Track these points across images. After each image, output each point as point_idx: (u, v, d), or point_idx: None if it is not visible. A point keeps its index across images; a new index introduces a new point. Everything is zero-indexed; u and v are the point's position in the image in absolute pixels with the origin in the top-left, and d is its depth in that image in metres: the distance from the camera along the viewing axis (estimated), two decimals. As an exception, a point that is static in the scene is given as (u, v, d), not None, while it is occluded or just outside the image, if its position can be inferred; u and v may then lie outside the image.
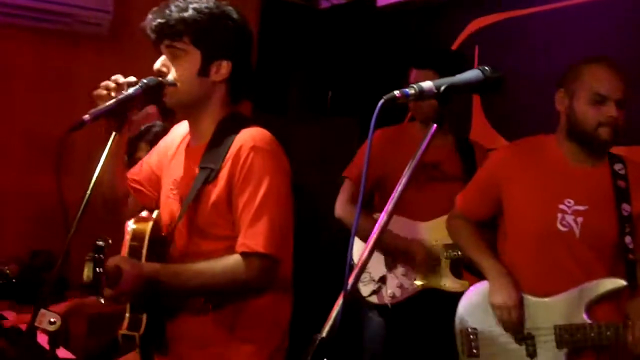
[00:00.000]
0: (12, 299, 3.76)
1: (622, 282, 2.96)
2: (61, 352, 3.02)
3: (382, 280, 3.87)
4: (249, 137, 2.48)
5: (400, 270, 3.76)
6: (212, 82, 2.53)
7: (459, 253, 3.75)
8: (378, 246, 3.78)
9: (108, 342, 3.61)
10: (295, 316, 2.65)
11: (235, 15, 2.56)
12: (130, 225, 2.53)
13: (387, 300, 3.77)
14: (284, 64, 5.38)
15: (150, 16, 2.52)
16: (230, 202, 2.46)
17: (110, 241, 2.35)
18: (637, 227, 3.01)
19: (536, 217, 3.05)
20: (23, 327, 3.23)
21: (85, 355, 3.61)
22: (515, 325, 3.04)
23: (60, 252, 2.20)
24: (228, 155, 2.46)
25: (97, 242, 2.32)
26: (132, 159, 3.41)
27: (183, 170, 2.59)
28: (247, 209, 2.43)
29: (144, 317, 2.44)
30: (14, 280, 3.72)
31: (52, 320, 2.26)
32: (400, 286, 3.80)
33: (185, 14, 2.47)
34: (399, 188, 1.74)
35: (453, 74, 3.90)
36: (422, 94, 1.75)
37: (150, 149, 2.98)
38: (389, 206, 1.73)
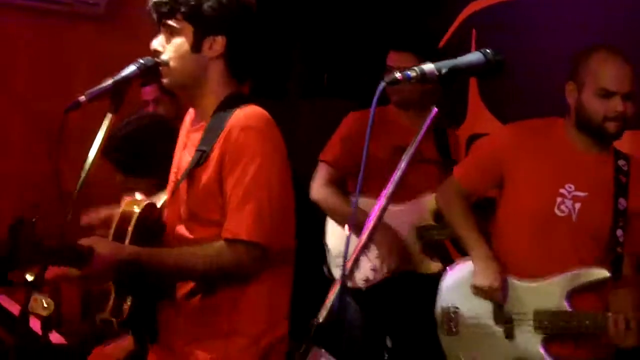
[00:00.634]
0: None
1: (606, 273, 2.98)
2: (53, 336, 3.01)
3: (356, 263, 3.87)
4: (241, 116, 2.40)
5: (374, 253, 3.74)
6: (207, 58, 2.46)
7: (433, 235, 3.78)
8: (355, 228, 3.84)
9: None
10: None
11: None
12: (122, 207, 2.51)
13: (360, 284, 3.77)
14: (281, 46, 5.35)
15: None
16: (221, 185, 2.38)
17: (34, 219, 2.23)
18: (630, 223, 3.03)
19: (535, 199, 3.06)
20: (10, 307, 3.20)
21: (79, 338, 3.60)
22: (496, 307, 3.06)
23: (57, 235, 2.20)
24: (220, 136, 2.39)
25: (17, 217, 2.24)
26: None
27: (183, 152, 2.56)
28: (234, 192, 2.34)
29: (128, 302, 2.39)
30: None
31: (45, 305, 2.25)
32: (374, 269, 3.80)
33: None
34: (397, 173, 1.72)
35: (431, 56, 3.92)
36: (423, 76, 1.74)
37: None
38: (387, 190, 1.71)
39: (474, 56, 1.81)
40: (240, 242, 2.33)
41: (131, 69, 2.40)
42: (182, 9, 2.43)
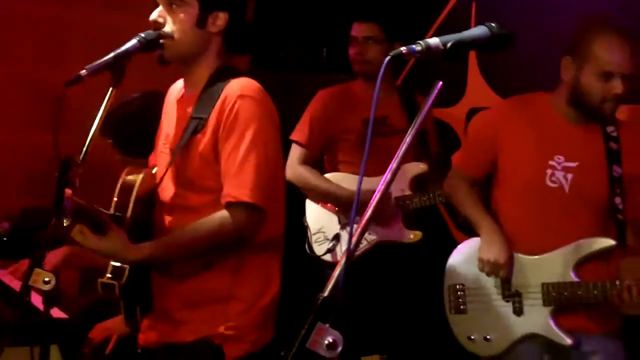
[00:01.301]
0: (3, 256, 3.73)
1: (612, 242, 2.99)
2: (54, 311, 3.01)
3: (337, 238, 3.92)
4: (236, 86, 2.46)
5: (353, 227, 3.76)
6: (209, 33, 2.52)
7: (414, 204, 3.79)
8: (334, 202, 3.87)
9: (100, 299, 3.60)
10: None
11: None
12: (123, 176, 2.52)
13: (340, 257, 3.79)
14: (281, 20, 5.33)
15: None
16: (217, 152, 2.44)
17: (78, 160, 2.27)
18: (627, 189, 3.03)
19: (526, 172, 3.07)
20: (10, 282, 3.20)
21: (78, 312, 3.60)
22: (504, 281, 3.07)
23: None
24: (216, 104, 2.44)
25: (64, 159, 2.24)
26: None
27: (175, 123, 2.58)
28: (231, 158, 2.40)
29: (128, 267, 2.43)
30: (4, 238, 3.70)
31: (46, 279, 2.25)
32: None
33: None
34: (403, 146, 1.72)
35: (394, 26, 3.95)
36: (429, 50, 1.73)
37: None
38: (393, 164, 1.71)
39: (479, 30, 1.80)
40: (241, 205, 2.39)
41: (132, 42, 2.42)
42: None
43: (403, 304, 3.88)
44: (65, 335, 3.20)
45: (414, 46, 1.73)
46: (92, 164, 2.45)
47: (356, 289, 3.76)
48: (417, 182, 4.00)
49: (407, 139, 1.71)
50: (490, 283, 3.12)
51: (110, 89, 2.38)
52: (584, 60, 2.95)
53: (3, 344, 2.32)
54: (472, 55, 4.56)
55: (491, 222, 3.13)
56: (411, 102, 4.01)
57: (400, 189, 3.94)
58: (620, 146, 3.03)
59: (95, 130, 2.35)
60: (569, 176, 3.01)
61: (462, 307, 3.18)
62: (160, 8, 2.49)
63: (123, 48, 2.39)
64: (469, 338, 3.14)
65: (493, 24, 1.81)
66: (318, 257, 3.95)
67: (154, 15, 2.49)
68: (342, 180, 3.99)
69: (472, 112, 4.48)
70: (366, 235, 3.84)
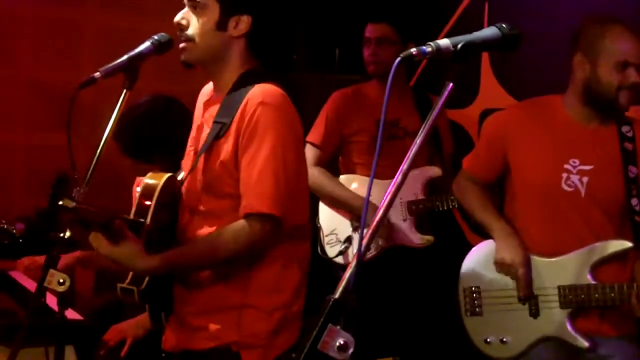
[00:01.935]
0: (18, 258, 3.75)
1: (628, 244, 2.97)
2: (69, 313, 3.03)
3: (349, 240, 3.92)
4: (258, 92, 2.42)
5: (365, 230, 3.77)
6: (230, 37, 2.49)
7: (425, 207, 3.78)
8: (348, 209, 3.88)
9: (115, 300, 3.62)
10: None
11: None
12: (144, 180, 2.51)
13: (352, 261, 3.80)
14: (291, 20, 5.34)
15: None
16: (237, 160, 2.41)
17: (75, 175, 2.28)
18: None
19: (541, 177, 3.05)
20: (26, 283, 3.23)
21: (92, 313, 3.62)
22: (521, 283, 3.04)
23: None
24: (239, 110, 2.41)
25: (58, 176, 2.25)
26: None
27: (199, 126, 2.57)
28: (250, 167, 2.37)
29: None
30: (20, 240, 3.71)
31: (61, 280, 2.27)
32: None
33: None
34: (414, 148, 1.72)
35: (410, 28, 3.94)
36: (439, 51, 1.73)
37: None
38: (404, 166, 1.71)
39: (489, 31, 1.80)
40: (260, 216, 2.35)
41: (146, 45, 2.44)
42: None
43: (416, 307, 3.88)
44: (81, 336, 3.22)
45: (424, 47, 1.73)
46: (107, 166, 2.48)
47: (370, 291, 3.80)
48: (431, 186, 4.00)
49: (418, 140, 1.71)
50: (505, 285, 3.10)
51: (124, 91, 2.39)
52: (597, 53, 2.96)
53: (18, 345, 2.33)
54: (485, 56, 4.55)
55: (505, 225, 3.11)
56: (425, 103, 4.01)
57: (413, 193, 3.94)
58: (636, 146, 3.02)
59: (109, 132, 2.37)
60: (585, 179, 3.00)
61: (477, 309, 3.16)
62: (185, 10, 2.49)
63: (137, 50, 2.40)
64: (485, 341, 3.12)
65: (504, 25, 1.81)
66: (330, 259, 3.95)
67: (177, 18, 2.48)
68: (357, 182, 4.00)
69: (485, 114, 4.48)
70: (377, 238, 3.86)
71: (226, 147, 2.43)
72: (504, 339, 3.08)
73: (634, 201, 2.99)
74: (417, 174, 3.91)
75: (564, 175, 3.01)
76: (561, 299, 3.00)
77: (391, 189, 1.69)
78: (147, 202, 2.45)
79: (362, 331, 3.65)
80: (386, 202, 1.70)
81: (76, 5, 4.95)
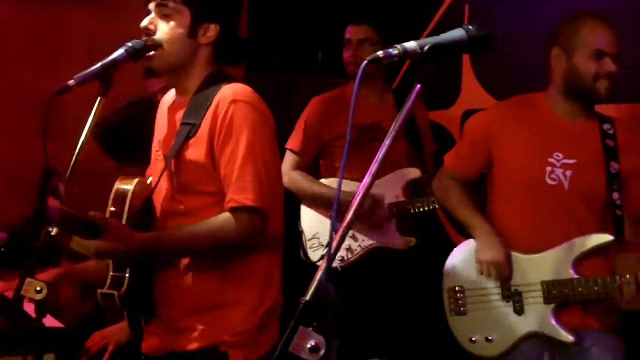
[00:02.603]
0: (1, 267, 3.74)
1: (610, 237, 3.01)
2: (49, 320, 3.02)
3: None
4: (229, 91, 2.47)
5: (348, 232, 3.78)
6: (198, 44, 2.53)
7: (407, 210, 3.84)
8: (329, 204, 3.90)
9: (100, 308, 3.62)
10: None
11: None
12: (115, 186, 2.52)
13: (336, 263, 3.81)
14: (275, 24, 5.34)
15: None
16: (212, 158, 2.45)
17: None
18: (624, 185, 3.07)
19: (525, 171, 3.08)
20: (10, 294, 3.22)
21: (79, 321, 3.62)
22: (503, 282, 3.07)
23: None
24: (209, 110, 2.45)
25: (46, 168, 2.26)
26: None
27: (166, 129, 2.59)
28: (231, 164, 2.41)
29: (127, 275, 2.43)
30: (2, 249, 3.71)
31: (38, 288, 2.27)
32: (349, 248, 3.86)
33: None
34: (382, 150, 1.72)
35: (386, 27, 3.96)
36: (406, 53, 1.74)
37: None
38: (373, 167, 1.72)
39: (457, 33, 1.80)
40: (245, 209, 2.40)
41: (120, 52, 2.44)
42: None
43: (402, 308, 3.88)
44: (63, 343, 3.22)
45: (390, 50, 1.74)
46: (86, 172, 2.48)
47: (354, 294, 3.81)
48: (412, 188, 4.01)
49: (386, 142, 1.71)
50: (489, 283, 3.13)
51: (99, 98, 2.40)
52: (574, 45, 3.02)
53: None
54: (466, 57, 4.57)
55: (485, 223, 3.14)
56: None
57: (395, 194, 3.95)
58: (617, 143, 3.07)
59: (85, 139, 2.37)
60: (568, 173, 3.04)
61: (462, 308, 3.18)
62: (152, 15, 2.50)
63: (110, 57, 2.41)
64: (471, 340, 3.14)
65: (471, 26, 1.81)
66: (313, 263, 3.95)
67: (144, 22, 2.50)
68: (333, 185, 4.00)
69: (467, 114, 4.50)
70: (360, 241, 3.87)
71: (199, 147, 2.46)
72: (490, 337, 3.10)
73: (615, 195, 3.04)
74: (397, 176, 3.93)
75: (548, 168, 3.04)
76: (545, 294, 3.03)
77: (361, 190, 1.70)
78: (121, 207, 2.47)
79: (349, 333, 3.68)
80: (356, 204, 1.71)
81: (64, 13, 4.95)
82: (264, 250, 2.52)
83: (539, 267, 3.05)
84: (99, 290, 2.43)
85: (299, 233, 4.04)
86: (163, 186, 2.54)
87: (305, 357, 1.63)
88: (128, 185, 2.52)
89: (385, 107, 4.00)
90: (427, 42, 1.75)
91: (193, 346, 2.47)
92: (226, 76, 2.56)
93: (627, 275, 2.92)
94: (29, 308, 2.52)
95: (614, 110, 3.19)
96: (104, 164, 3.26)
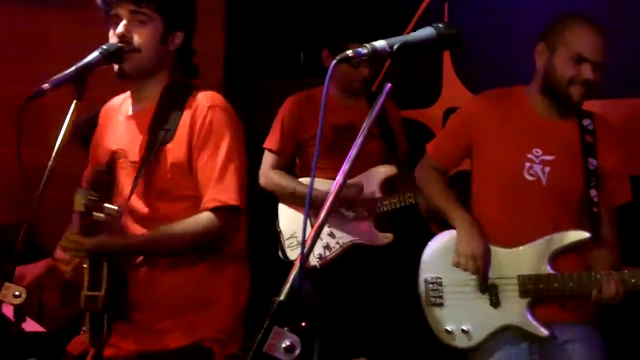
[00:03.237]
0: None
1: (586, 235, 3.01)
2: (30, 325, 3.02)
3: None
4: (205, 97, 2.57)
5: (325, 230, 3.80)
6: (167, 50, 2.60)
7: (384, 207, 3.85)
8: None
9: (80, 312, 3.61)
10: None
11: None
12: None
13: (314, 262, 3.82)
14: (255, 26, 5.34)
15: None
16: (190, 162, 2.52)
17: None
18: (602, 181, 3.06)
19: (504, 165, 3.08)
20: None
21: (60, 326, 3.61)
22: (480, 274, 3.07)
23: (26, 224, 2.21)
24: (184, 116, 2.53)
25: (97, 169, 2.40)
26: None
27: (130, 138, 2.61)
28: (210, 166, 2.50)
29: (104, 274, 2.44)
30: None
31: (16, 293, 2.26)
32: (327, 246, 3.88)
33: None
34: (354, 148, 1.73)
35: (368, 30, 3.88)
36: (375, 52, 1.74)
37: None
38: (345, 166, 1.73)
39: (426, 31, 1.81)
40: (229, 208, 2.49)
41: (94, 55, 2.46)
42: (157, 0, 2.53)
43: (380, 306, 3.89)
44: (44, 348, 3.21)
45: (360, 49, 1.75)
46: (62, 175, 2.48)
47: (333, 292, 3.82)
48: (387, 185, 4.03)
49: (358, 141, 1.72)
50: (466, 275, 3.11)
51: (74, 101, 2.39)
52: (557, 44, 3.00)
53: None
54: (447, 55, 4.58)
55: (466, 215, 3.14)
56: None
57: (371, 191, 3.97)
58: (596, 139, 3.06)
59: (61, 142, 2.37)
60: (547, 169, 3.04)
61: (438, 300, 3.17)
62: (125, 22, 2.53)
63: (85, 61, 2.42)
64: (446, 330, 3.14)
65: (440, 24, 1.82)
66: (292, 262, 3.96)
67: (121, 29, 2.52)
68: (315, 184, 4.00)
69: (449, 112, 4.51)
70: (338, 238, 3.89)
71: (177, 150, 2.52)
72: (465, 329, 3.10)
73: (593, 192, 3.03)
74: (373, 173, 3.95)
75: (527, 164, 3.04)
76: (521, 288, 3.03)
77: (334, 189, 1.70)
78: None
79: (329, 332, 3.68)
80: (329, 203, 1.71)
81: (40, 18, 4.93)
82: (237, 251, 2.61)
83: (516, 261, 3.05)
84: (84, 293, 2.45)
85: (277, 233, 4.05)
86: (138, 193, 2.56)
87: (280, 357, 1.63)
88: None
89: (358, 107, 4.01)
90: (397, 40, 1.76)
91: (177, 344, 2.53)
92: (189, 84, 2.65)
93: (604, 273, 2.92)
94: (10, 312, 2.52)
95: (594, 107, 3.17)
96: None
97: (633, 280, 2.91)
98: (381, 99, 1.72)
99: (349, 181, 3.66)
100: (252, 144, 2.83)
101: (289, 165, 4.12)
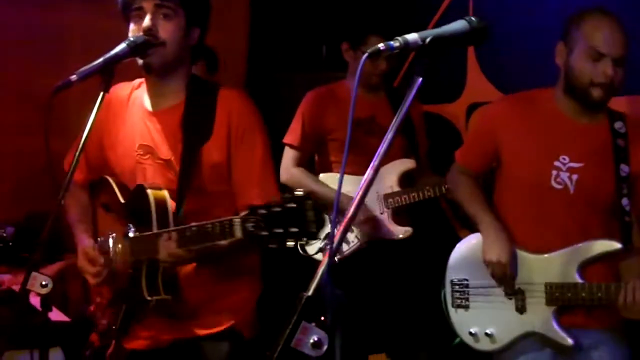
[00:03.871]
0: (9, 262, 3.76)
1: (617, 245, 2.92)
2: (55, 314, 3.03)
3: (328, 237, 3.90)
4: (237, 97, 2.65)
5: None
6: (188, 45, 2.63)
7: (401, 201, 3.83)
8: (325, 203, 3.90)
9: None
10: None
11: None
12: (150, 195, 2.54)
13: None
14: (278, 20, 5.33)
15: None
16: (229, 160, 2.58)
17: None
18: (634, 188, 2.96)
19: (530, 173, 3.01)
20: (17, 288, 3.23)
21: (84, 319, 3.62)
22: (507, 280, 3.03)
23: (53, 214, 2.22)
24: (219, 115, 2.58)
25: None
26: None
27: (157, 134, 2.63)
28: (250, 164, 2.58)
29: (159, 278, 2.51)
30: (10, 244, 3.72)
31: (43, 282, 2.29)
32: (345, 240, 3.85)
33: None
34: (384, 143, 1.72)
35: (392, 26, 3.87)
36: (407, 45, 1.72)
37: None
38: (375, 161, 1.71)
39: (458, 24, 1.79)
40: None
41: (121, 47, 2.47)
42: None
43: (399, 300, 3.89)
44: (69, 337, 3.23)
45: (392, 42, 1.73)
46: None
47: (352, 286, 3.80)
48: (406, 178, 4.01)
49: (388, 136, 1.71)
50: (493, 279, 3.08)
51: (102, 93, 2.41)
52: (574, 41, 2.89)
53: (2, 347, 2.35)
54: (471, 50, 4.55)
55: (493, 219, 3.07)
56: (398, 100, 4.00)
57: (389, 186, 3.96)
58: (628, 143, 2.96)
59: (88, 133, 2.37)
60: (574, 177, 2.95)
61: (464, 302, 3.15)
62: (149, 16, 2.54)
63: (112, 52, 2.43)
64: (470, 333, 3.12)
65: (473, 18, 1.80)
66: (310, 257, 3.95)
67: (147, 22, 2.53)
68: (335, 180, 4.00)
69: (473, 108, 4.49)
70: (357, 233, 3.87)
71: (216, 151, 2.58)
72: (489, 332, 3.08)
73: (625, 201, 2.94)
74: (391, 167, 3.94)
75: (554, 172, 2.96)
76: (547, 296, 2.98)
77: (363, 184, 1.69)
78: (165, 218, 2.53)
79: (350, 327, 3.67)
80: (358, 198, 1.70)
81: (61, 10, 4.95)
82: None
83: (545, 268, 3.00)
84: (155, 297, 2.49)
85: None
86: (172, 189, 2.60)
87: (308, 352, 1.63)
88: (161, 193, 2.55)
89: (378, 101, 4.00)
90: (429, 33, 1.74)
91: (211, 330, 2.65)
92: (211, 80, 2.75)
93: (632, 283, 2.84)
94: (37, 302, 2.54)
95: (624, 102, 3.09)
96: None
97: None
98: (412, 93, 1.70)
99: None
100: (274, 139, 2.86)
101: (309, 160, 4.11)
